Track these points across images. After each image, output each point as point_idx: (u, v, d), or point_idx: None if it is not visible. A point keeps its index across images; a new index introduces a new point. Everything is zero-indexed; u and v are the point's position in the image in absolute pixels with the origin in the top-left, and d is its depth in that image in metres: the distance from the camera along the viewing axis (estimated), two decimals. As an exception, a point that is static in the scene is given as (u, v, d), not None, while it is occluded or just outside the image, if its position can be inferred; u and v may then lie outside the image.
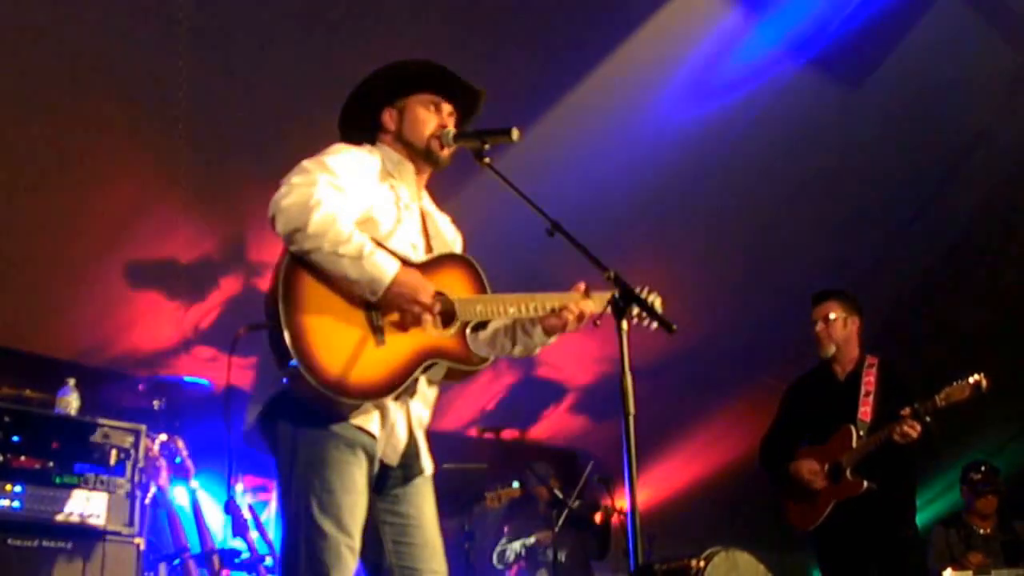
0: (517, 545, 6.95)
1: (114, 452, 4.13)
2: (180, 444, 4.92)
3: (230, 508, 5.14)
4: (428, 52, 3.00)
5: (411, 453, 2.77)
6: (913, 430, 4.50)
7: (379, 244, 2.66)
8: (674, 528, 7.84)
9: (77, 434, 4.08)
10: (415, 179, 2.97)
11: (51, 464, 3.98)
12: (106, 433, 4.15)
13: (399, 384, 2.66)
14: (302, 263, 2.57)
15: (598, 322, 2.79)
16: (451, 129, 2.92)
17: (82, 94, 5.12)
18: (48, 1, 4.84)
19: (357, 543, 2.58)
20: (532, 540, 6.86)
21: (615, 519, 6.83)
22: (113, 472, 4.11)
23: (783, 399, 5.22)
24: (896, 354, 5.22)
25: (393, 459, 2.72)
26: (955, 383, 4.55)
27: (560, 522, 6.49)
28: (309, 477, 2.56)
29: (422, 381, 2.77)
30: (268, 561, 4.91)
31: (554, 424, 8.76)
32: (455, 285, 2.83)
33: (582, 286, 2.86)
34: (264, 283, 2.68)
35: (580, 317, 2.82)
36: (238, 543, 5.10)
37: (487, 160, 2.84)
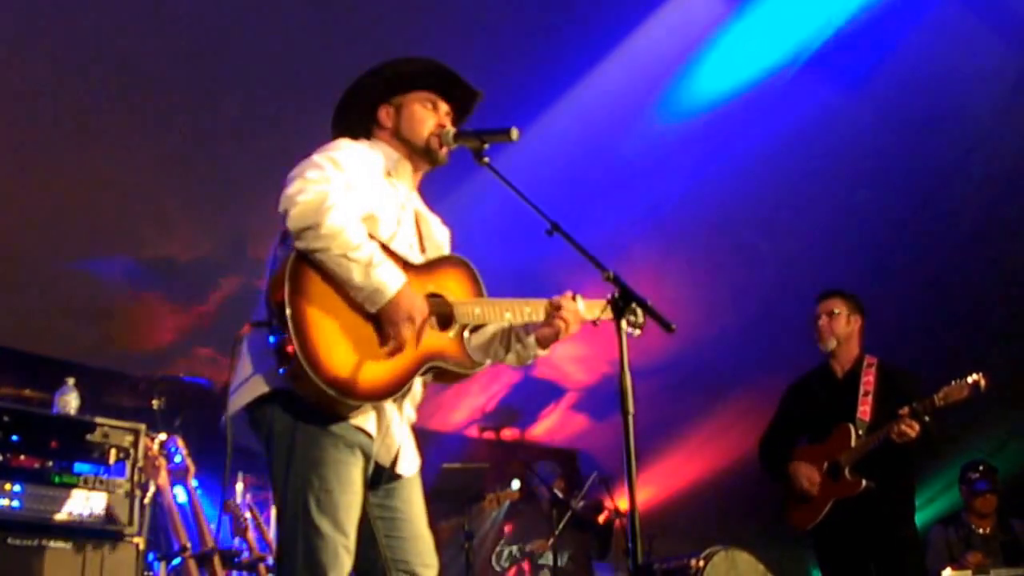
0: (514, 550, 6.95)
1: (113, 451, 4.13)
2: (180, 443, 4.92)
3: (229, 507, 5.15)
4: (427, 51, 3.00)
5: (402, 452, 2.77)
6: (911, 429, 4.50)
7: (384, 248, 2.66)
8: (674, 528, 7.84)
9: (76, 433, 4.07)
10: (411, 178, 2.97)
11: (50, 463, 3.98)
12: (105, 432, 4.14)
13: (402, 387, 2.66)
14: (307, 262, 2.56)
15: (597, 322, 2.79)
16: (451, 129, 2.92)
17: (82, 94, 5.12)
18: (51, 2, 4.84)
19: (353, 543, 2.58)
20: (528, 548, 6.84)
21: (617, 524, 6.83)
22: (112, 472, 4.11)
23: (782, 398, 5.23)
24: (895, 354, 5.22)
25: (386, 459, 2.72)
26: (954, 382, 4.55)
27: (563, 523, 6.47)
28: (308, 476, 2.55)
29: (416, 381, 2.77)
30: (268, 560, 4.91)
31: (554, 424, 8.77)
32: (453, 287, 2.83)
33: (569, 294, 2.88)
34: (264, 283, 2.67)
35: (571, 322, 2.83)
36: (237, 543, 5.10)
37: (486, 160, 2.84)
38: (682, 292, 7.06)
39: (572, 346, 7.52)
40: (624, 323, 2.62)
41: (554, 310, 2.86)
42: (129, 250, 5.90)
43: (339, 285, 2.57)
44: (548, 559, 6.69)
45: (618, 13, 5.75)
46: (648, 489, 8.68)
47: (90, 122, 5.28)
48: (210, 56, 5.27)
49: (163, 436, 4.83)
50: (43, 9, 4.82)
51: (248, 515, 5.14)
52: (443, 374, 2.80)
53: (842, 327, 4.97)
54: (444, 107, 2.97)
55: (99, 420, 4.17)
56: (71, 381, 4.34)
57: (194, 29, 5.10)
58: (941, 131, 6.81)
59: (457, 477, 6.39)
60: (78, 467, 4.04)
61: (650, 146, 6.42)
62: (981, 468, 6.53)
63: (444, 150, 2.92)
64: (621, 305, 2.60)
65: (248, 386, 2.60)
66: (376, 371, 2.58)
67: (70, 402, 4.30)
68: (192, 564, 4.71)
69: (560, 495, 6.66)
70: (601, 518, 6.90)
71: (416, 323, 2.62)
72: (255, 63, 5.34)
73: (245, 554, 4.98)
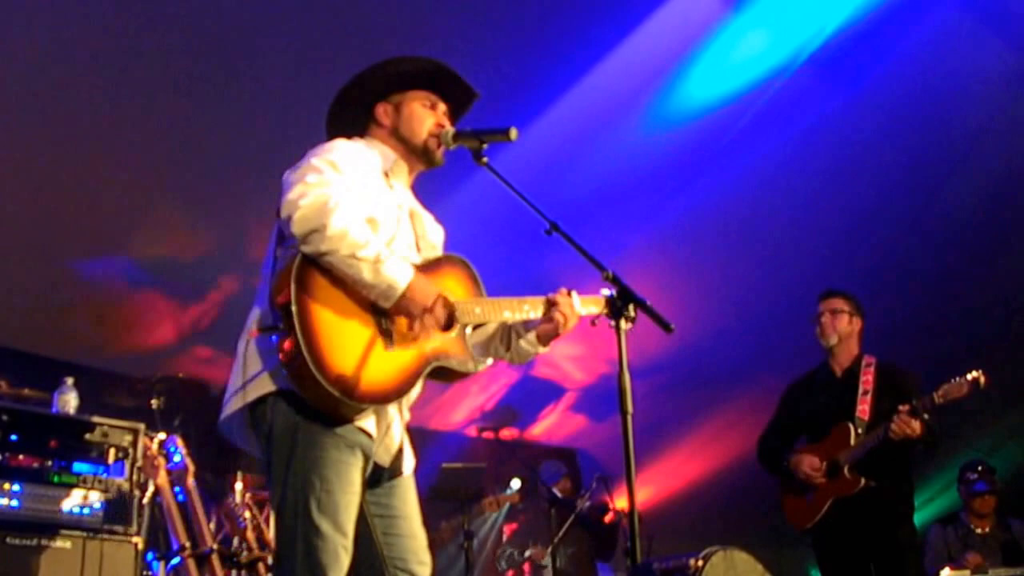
0: (515, 552, 6.94)
1: (112, 451, 4.13)
2: (179, 443, 4.92)
3: (228, 507, 5.15)
4: (426, 50, 3.00)
5: (399, 452, 2.77)
6: (909, 427, 4.50)
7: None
8: (673, 527, 7.84)
9: (75, 433, 4.07)
10: (407, 177, 2.97)
11: (49, 463, 3.98)
12: (104, 432, 4.14)
13: (408, 389, 2.66)
14: (313, 265, 2.55)
15: (596, 322, 2.79)
16: (450, 129, 2.91)
17: (81, 94, 5.12)
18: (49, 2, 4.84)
19: (352, 543, 2.58)
20: (528, 554, 6.83)
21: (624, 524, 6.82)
22: (111, 471, 4.11)
23: (782, 397, 5.24)
24: (895, 353, 5.23)
25: (385, 460, 2.72)
26: (953, 380, 4.54)
27: (567, 523, 6.45)
28: (308, 476, 2.54)
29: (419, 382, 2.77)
30: (267, 560, 4.91)
31: (553, 423, 8.77)
32: (453, 287, 2.82)
33: (564, 290, 2.89)
34: (262, 283, 2.66)
35: (568, 317, 2.84)
36: (236, 542, 5.10)
37: (485, 160, 2.84)
38: (681, 292, 7.06)
39: (571, 346, 7.53)
40: (622, 323, 2.62)
41: (551, 306, 2.86)
42: (128, 250, 5.90)
43: (346, 287, 2.57)
44: (549, 560, 6.69)
45: (617, 14, 5.75)
46: (647, 489, 8.69)
47: (89, 122, 5.27)
48: (209, 56, 5.27)
49: (162, 435, 4.83)
50: (41, 10, 4.82)
51: (247, 514, 5.14)
52: (446, 373, 2.80)
53: (844, 325, 4.99)
54: (442, 106, 2.97)
55: (98, 419, 4.17)
56: (70, 381, 4.34)
57: (193, 28, 5.11)
58: (941, 132, 6.81)
59: (456, 477, 6.39)
60: (77, 466, 4.04)
61: (649, 147, 6.43)
62: (980, 468, 6.53)
63: (441, 150, 2.92)
64: (620, 305, 2.60)
65: (253, 385, 2.59)
66: (382, 373, 2.58)
67: (69, 401, 4.29)
68: (191, 563, 4.71)
69: (559, 495, 6.66)
70: (607, 518, 6.88)
71: (435, 312, 2.63)
72: (255, 62, 5.34)
73: (244, 553, 4.98)
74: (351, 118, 2.95)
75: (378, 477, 2.73)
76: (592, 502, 6.86)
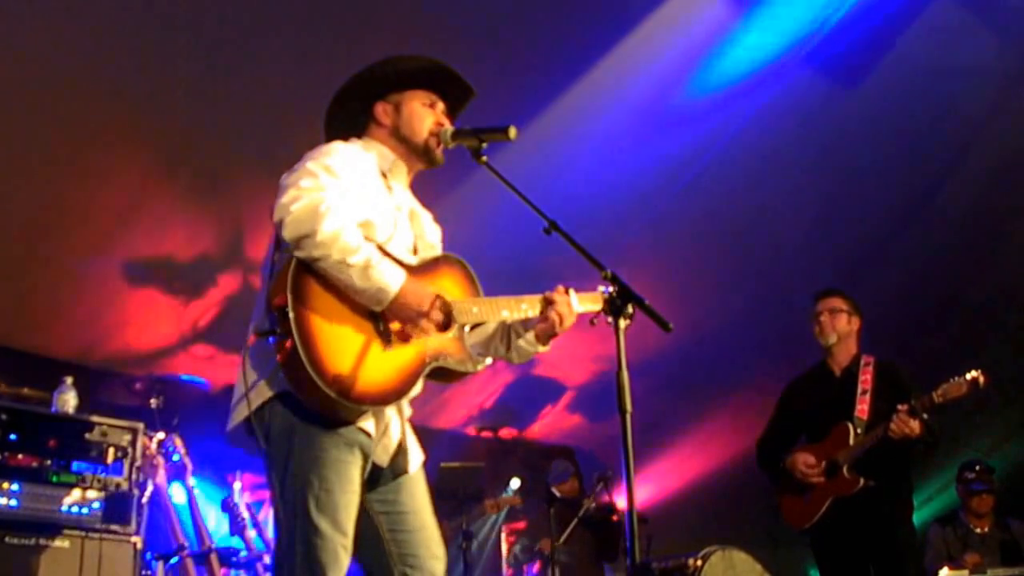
0: (517, 552, 6.93)
1: (111, 450, 4.13)
2: (178, 442, 4.92)
3: (227, 506, 5.15)
4: (426, 49, 3.00)
5: (400, 451, 2.77)
6: (907, 426, 4.50)
7: (381, 250, 2.65)
8: (672, 527, 7.85)
9: (74, 432, 4.08)
10: (406, 177, 2.96)
11: (48, 462, 3.98)
12: (104, 431, 4.15)
13: (407, 389, 2.66)
14: (309, 270, 2.55)
15: (595, 321, 2.79)
16: (449, 127, 2.91)
17: (79, 93, 5.12)
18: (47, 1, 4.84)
19: (351, 542, 2.58)
20: (536, 548, 6.81)
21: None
22: (110, 470, 4.12)
23: (780, 398, 5.23)
24: (894, 351, 5.23)
25: (384, 460, 2.72)
26: (953, 379, 4.53)
27: (573, 523, 6.42)
28: (307, 475, 2.54)
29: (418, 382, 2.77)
30: (265, 559, 4.91)
31: (552, 422, 8.77)
32: (450, 287, 2.83)
33: (561, 288, 2.88)
34: (261, 287, 2.66)
35: (565, 315, 2.83)
36: (235, 541, 5.10)
37: (484, 159, 2.84)
38: (680, 291, 7.06)
39: (570, 345, 7.52)
40: (621, 321, 2.62)
41: (548, 305, 2.86)
42: (127, 249, 5.90)
43: (341, 291, 2.57)
44: (558, 557, 6.66)
45: (615, 15, 5.75)
46: (646, 488, 8.69)
47: (87, 119, 5.27)
48: (208, 54, 5.27)
49: (161, 435, 4.84)
50: (40, 8, 4.82)
51: (246, 514, 5.15)
52: (445, 373, 2.80)
53: (843, 325, 4.99)
54: (441, 106, 2.97)
55: (97, 419, 4.18)
56: (69, 380, 4.34)
57: (192, 26, 5.10)
58: (936, 128, 6.82)
59: (455, 476, 6.39)
60: (76, 466, 4.04)
61: (646, 146, 6.42)
62: (978, 468, 6.54)
63: (441, 149, 2.91)
64: (619, 304, 2.60)
65: (254, 393, 2.58)
66: (380, 374, 2.58)
67: (68, 401, 4.30)
68: (190, 563, 4.72)
69: (558, 494, 6.65)
70: (615, 517, 6.86)
71: (429, 315, 2.63)
72: (254, 61, 5.34)
73: (243, 553, 4.99)
74: (350, 118, 2.95)
75: (377, 477, 2.73)
76: (597, 502, 6.85)
